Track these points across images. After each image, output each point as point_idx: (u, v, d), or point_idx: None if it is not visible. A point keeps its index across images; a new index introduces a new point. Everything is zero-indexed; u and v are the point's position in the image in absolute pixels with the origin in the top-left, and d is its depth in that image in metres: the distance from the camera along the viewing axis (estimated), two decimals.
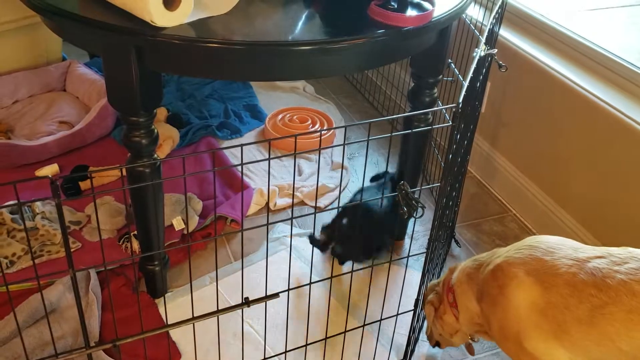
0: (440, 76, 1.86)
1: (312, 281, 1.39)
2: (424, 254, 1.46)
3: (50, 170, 2.38)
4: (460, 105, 1.19)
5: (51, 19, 1.47)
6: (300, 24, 1.51)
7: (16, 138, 2.50)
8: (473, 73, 1.34)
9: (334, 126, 2.74)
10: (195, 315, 1.34)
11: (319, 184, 2.45)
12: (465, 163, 1.98)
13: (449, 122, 1.24)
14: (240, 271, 2.04)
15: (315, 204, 2.37)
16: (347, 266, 2.08)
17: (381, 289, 2.00)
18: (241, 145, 1.04)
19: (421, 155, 2.00)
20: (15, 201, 2.16)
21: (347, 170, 2.58)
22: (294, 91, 3.18)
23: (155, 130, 1.62)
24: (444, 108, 1.24)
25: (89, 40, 1.49)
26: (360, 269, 1.53)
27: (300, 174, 2.54)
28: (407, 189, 1.22)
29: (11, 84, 2.71)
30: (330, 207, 2.38)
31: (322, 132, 2.74)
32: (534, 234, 2.31)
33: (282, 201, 2.37)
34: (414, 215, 1.22)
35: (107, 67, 1.48)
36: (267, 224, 1.25)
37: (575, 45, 2.17)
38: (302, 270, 2.07)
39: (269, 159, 1.14)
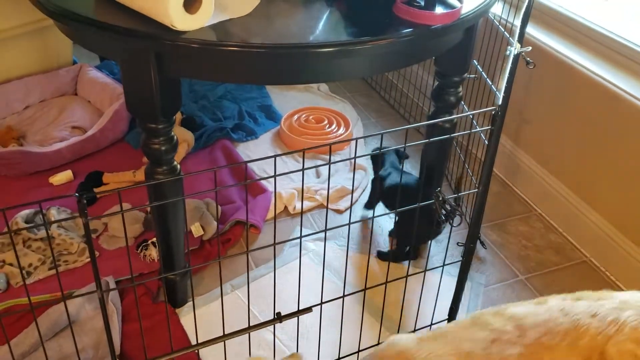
0: (466, 74, 1.80)
1: (345, 294, 1.33)
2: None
3: (64, 177, 2.33)
4: (500, 108, 1.13)
5: (68, 25, 1.42)
6: (322, 24, 1.45)
7: (28, 144, 2.46)
8: (508, 73, 1.29)
9: (351, 130, 2.69)
10: (225, 331, 1.28)
11: (338, 186, 2.40)
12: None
13: (475, 125, 1.18)
14: (262, 278, 2.00)
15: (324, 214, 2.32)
16: (379, 276, 2.03)
17: (414, 298, 1.94)
18: (274, 157, 0.99)
19: (445, 157, 1.94)
20: (31, 209, 2.13)
21: (366, 171, 2.53)
22: (308, 90, 3.12)
23: (175, 137, 1.57)
24: (482, 112, 1.19)
25: (107, 46, 1.44)
26: (395, 279, 1.47)
27: (318, 176, 2.49)
28: (444, 197, 1.16)
29: (22, 89, 2.67)
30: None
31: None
32: (561, 234, 2.26)
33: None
34: (452, 223, 1.16)
35: (125, 73, 1.42)
36: (300, 237, 1.20)
37: (599, 38, 2.11)
38: (328, 277, 2.02)
39: (302, 170, 1.09)
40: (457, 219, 1.17)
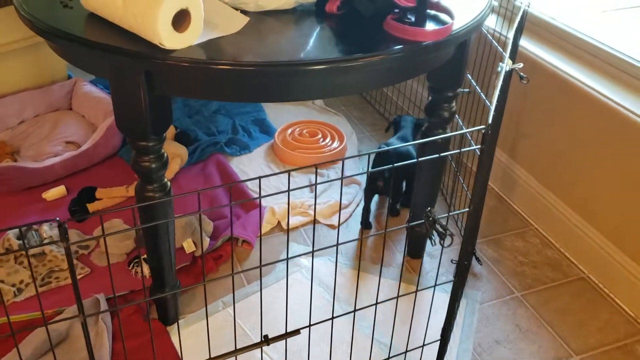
0: (459, 89, 1.79)
1: (334, 315, 1.31)
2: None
3: (57, 192, 2.32)
4: (490, 127, 1.12)
5: (57, 43, 1.41)
6: (313, 41, 1.44)
7: (22, 159, 2.45)
8: (500, 90, 1.28)
9: (345, 143, 2.68)
10: (211, 349, 1.26)
11: (332, 201, 2.39)
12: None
13: (470, 140, 1.17)
14: (254, 295, 1.98)
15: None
16: (371, 293, 2.02)
17: (407, 316, 1.93)
18: (259, 178, 0.97)
19: (439, 173, 1.93)
20: (21, 225, 2.11)
21: (360, 185, 2.51)
22: (303, 103, 3.12)
23: (165, 154, 1.56)
24: (472, 130, 1.17)
25: (97, 64, 1.43)
26: (385, 300, 1.45)
27: (311, 190, 2.47)
28: (435, 216, 1.15)
29: (17, 104, 2.66)
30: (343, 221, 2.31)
31: (337, 150, 2.68)
32: (558, 250, 2.24)
33: (295, 220, 2.30)
34: (442, 244, 1.15)
35: (115, 92, 1.41)
36: (287, 259, 1.18)
37: (595, 52, 2.10)
38: (320, 294, 2.00)
39: (314, 185, 1.07)
40: (447, 240, 1.15)
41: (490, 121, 1.11)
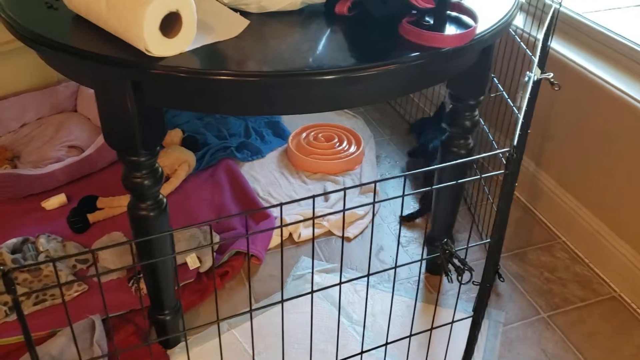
0: (482, 97, 1.64)
1: (364, 349, 1.17)
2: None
3: (57, 201, 2.21)
4: (515, 149, 0.97)
5: (37, 50, 1.29)
6: (322, 47, 1.30)
7: (22, 165, 2.34)
8: (527, 103, 1.13)
9: (363, 148, 2.54)
10: None
11: (347, 212, 2.24)
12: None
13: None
14: (262, 315, 1.85)
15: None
16: (384, 316, 1.88)
17: (423, 339, 1.79)
18: (280, 205, 0.84)
19: (457, 196, 1.79)
20: (16, 238, 2.00)
21: (378, 194, 2.37)
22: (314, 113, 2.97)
23: (160, 169, 1.43)
24: (496, 153, 1.03)
25: (80, 72, 1.30)
26: (419, 332, 1.31)
27: (326, 200, 2.34)
28: (452, 249, 1.01)
29: (19, 106, 2.55)
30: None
31: (351, 153, 2.54)
32: (587, 266, 2.08)
33: (308, 232, 2.16)
34: (460, 280, 1.01)
35: (100, 102, 1.29)
36: (313, 292, 1.05)
37: (629, 53, 1.93)
38: (332, 314, 1.87)
39: (312, 218, 0.94)
40: (466, 275, 1.01)
41: (515, 143, 0.97)
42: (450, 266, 1.02)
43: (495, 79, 1.92)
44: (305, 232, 2.16)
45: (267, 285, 1.97)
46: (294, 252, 2.10)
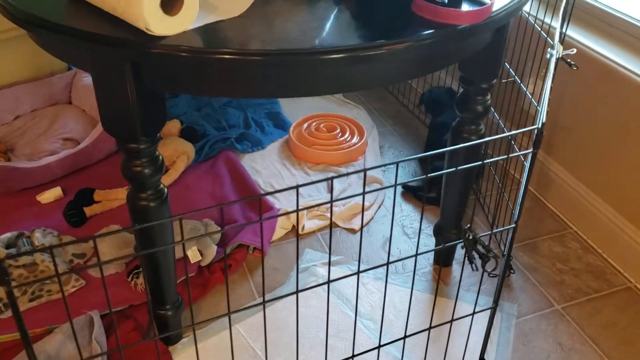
0: (495, 80, 1.58)
1: (381, 343, 1.11)
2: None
3: (53, 194, 2.14)
4: (543, 127, 0.91)
5: (31, 31, 1.22)
6: (329, 26, 1.23)
7: (17, 158, 2.27)
8: (549, 80, 1.07)
9: (366, 138, 2.48)
10: None
11: (352, 203, 2.18)
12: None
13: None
14: (266, 310, 1.79)
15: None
16: (396, 311, 1.82)
17: (442, 345, 1.73)
18: (297, 187, 0.78)
19: (468, 185, 1.72)
20: (10, 233, 1.93)
21: (382, 184, 2.31)
22: (320, 96, 2.91)
23: (160, 157, 1.37)
24: (528, 130, 0.96)
25: (76, 55, 1.23)
26: (438, 325, 1.25)
27: (329, 191, 2.27)
28: (476, 236, 0.94)
29: (12, 98, 2.48)
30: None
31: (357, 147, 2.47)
32: (600, 256, 2.02)
33: (311, 223, 2.10)
34: (485, 268, 0.94)
35: (98, 86, 1.22)
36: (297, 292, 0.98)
37: None
38: (338, 308, 1.81)
39: (331, 201, 0.87)
40: (491, 263, 0.95)
41: (544, 120, 0.90)
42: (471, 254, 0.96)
43: (507, 64, 1.86)
44: (309, 223, 2.10)
45: (272, 278, 1.90)
46: (298, 244, 2.03)
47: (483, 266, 0.95)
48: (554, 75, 1.44)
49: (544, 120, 0.90)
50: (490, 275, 1.84)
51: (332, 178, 0.86)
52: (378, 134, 2.63)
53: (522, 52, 2.10)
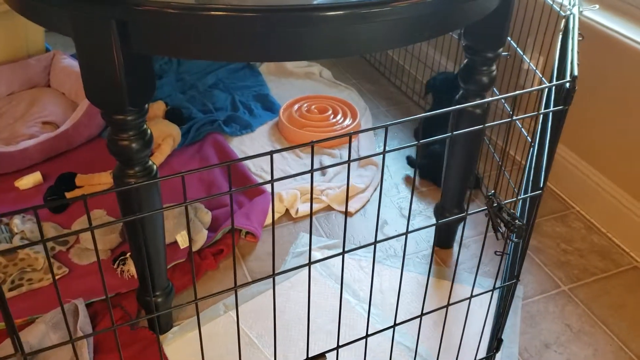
0: (501, 49, 1.50)
1: (369, 333, 1.02)
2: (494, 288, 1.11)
3: (32, 180, 2.03)
4: (575, 81, 0.83)
5: None
6: None
7: None
8: (564, 39, 0.99)
9: (359, 120, 2.40)
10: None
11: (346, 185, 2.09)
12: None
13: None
14: (261, 295, 1.70)
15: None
16: (394, 294, 1.74)
17: (435, 317, 1.64)
18: (271, 153, 0.69)
19: (471, 162, 1.65)
20: None
21: (378, 167, 2.22)
22: (310, 77, 2.82)
23: (149, 131, 1.27)
24: (559, 84, 0.88)
25: (55, 16, 1.13)
26: (432, 310, 1.17)
27: (323, 174, 2.19)
28: (501, 203, 0.86)
29: None
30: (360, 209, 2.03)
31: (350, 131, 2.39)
32: (605, 235, 1.95)
33: (305, 207, 2.01)
34: (511, 238, 0.86)
35: (81, 51, 1.12)
36: (310, 263, 0.90)
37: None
38: (336, 292, 1.72)
39: (311, 170, 0.79)
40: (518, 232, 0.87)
41: (575, 72, 0.82)
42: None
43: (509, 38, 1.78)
44: (302, 207, 2.01)
45: (265, 263, 1.81)
46: (292, 228, 1.95)
47: (508, 235, 0.86)
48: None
49: (575, 73, 0.82)
50: (497, 253, 1.76)
51: (313, 143, 0.77)
52: (372, 116, 2.54)
53: (523, 26, 2.02)
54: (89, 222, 0.74)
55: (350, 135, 0.82)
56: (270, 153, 0.79)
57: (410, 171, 2.21)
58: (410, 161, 2.24)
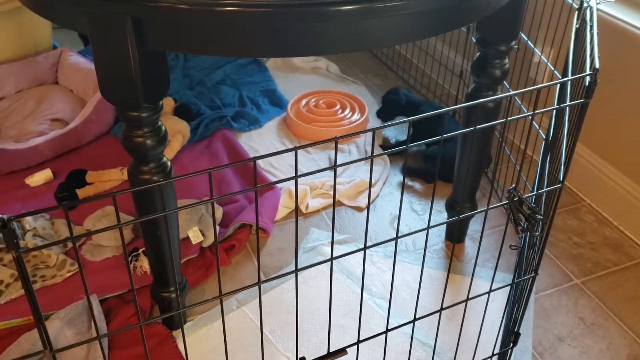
0: (513, 42, 1.50)
1: (389, 328, 1.02)
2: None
3: (42, 177, 2.03)
4: (596, 73, 0.82)
5: None
6: None
7: (3, 140, 2.16)
8: (579, 32, 0.98)
9: (367, 115, 2.40)
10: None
11: (356, 180, 2.09)
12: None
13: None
14: (273, 290, 1.70)
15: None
16: (408, 289, 1.74)
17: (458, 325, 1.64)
18: (295, 149, 0.69)
19: (483, 156, 1.65)
20: (2, 216, 1.82)
21: (386, 162, 2.22)
22: (317, 72, 2.81)
23: (163, 127, 1.27)
24: (580, 77, 0.87)
25: (70, 13, 1.13)
26: (451, 306, 1.17)
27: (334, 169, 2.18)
28: (522, 196, 0.86)
29: None
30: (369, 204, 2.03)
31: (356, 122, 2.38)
32: (617, 228, 1.95)
33: (315, 202, 2.01)
34: (533, 231, 0.86)
35: (96, 48, 1.12)
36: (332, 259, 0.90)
37: None
38: (349, 287, 1.72)
39: (335, 166, 0.78)
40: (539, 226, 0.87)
41: (597, 65, 0.82)
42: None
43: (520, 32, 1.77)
44: (313, 202, 2.01)
45: (277, 258, 1.81)
46: (302, 223, 1.95)
47: (529, 229, 0.86)
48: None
49: (597, 65, 0.82)
50: (512, 247, 1.76)
51: (337, 138, 0.77)
52: None
53: (533, 19, 2.01)
54: (118, 219, 0.74)
55: (374, 130, 0.81)
56: (295, 149, 0.79)
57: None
58: (409, 170, 2.19)
